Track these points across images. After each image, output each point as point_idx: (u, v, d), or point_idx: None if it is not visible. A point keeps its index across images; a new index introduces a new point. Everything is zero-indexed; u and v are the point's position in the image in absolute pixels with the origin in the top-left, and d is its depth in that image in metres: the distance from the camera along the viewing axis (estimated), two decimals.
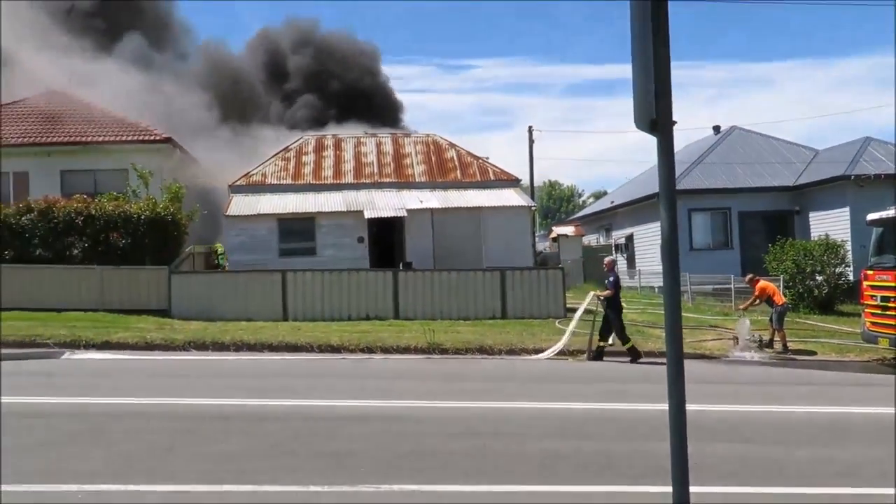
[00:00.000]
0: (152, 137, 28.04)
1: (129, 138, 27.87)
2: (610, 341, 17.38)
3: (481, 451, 8.29)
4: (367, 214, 26.73)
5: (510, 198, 28.50)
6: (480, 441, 8.69)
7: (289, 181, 29.63)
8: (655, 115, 3.96)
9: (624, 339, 17.11)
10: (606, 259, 19.24)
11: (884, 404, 11.69)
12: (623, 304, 18.09)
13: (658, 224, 4.13)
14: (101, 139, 27.63)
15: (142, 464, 7.53)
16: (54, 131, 28.12)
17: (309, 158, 31.07)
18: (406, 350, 17.16)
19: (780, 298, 19.20)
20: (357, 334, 18.65)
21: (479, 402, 11.23)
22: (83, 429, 9.03)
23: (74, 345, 16.89)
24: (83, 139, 27.74)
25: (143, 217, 23.11)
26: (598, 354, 17.22)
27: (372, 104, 48.96)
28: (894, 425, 9.84)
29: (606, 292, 17.30)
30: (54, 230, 22.81)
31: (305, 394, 11.69)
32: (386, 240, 28.92)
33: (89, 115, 29.23)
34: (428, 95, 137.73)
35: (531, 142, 45.35)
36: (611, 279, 17.43)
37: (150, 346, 17.11)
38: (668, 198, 4.02)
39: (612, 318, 17.20)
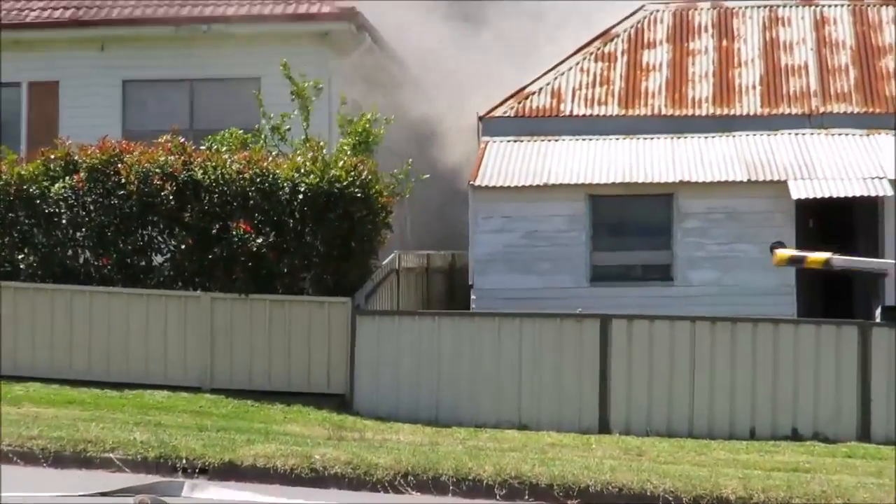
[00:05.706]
0: (317, 10, 16.03)
1: (268, 12, 16.06)
2: None
3: None
4: (797, 192, 15.72)
5: None
6: None
7: (612, 110, 16.77)
8: None
9: None
10: None
11: None
12: None
13: None
14: (209, 14, 16.15)
15: None
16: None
17: (656, 56, 17.28)
18: None
19: None
20: (781, 475, 10.57)
21: None
22: None
23: (163, 465, 10.22)
24: (173, 15, 16.36)
25: (301, 188, 13.21)
26: None
27: None
28: None
29: None
30: (118, 211, 13.56)
31: None
32: (836, 247, 17.62)
33: None
34: None
35: None
36: None
37: (320, 478, 10.11)
38: None
39: None
